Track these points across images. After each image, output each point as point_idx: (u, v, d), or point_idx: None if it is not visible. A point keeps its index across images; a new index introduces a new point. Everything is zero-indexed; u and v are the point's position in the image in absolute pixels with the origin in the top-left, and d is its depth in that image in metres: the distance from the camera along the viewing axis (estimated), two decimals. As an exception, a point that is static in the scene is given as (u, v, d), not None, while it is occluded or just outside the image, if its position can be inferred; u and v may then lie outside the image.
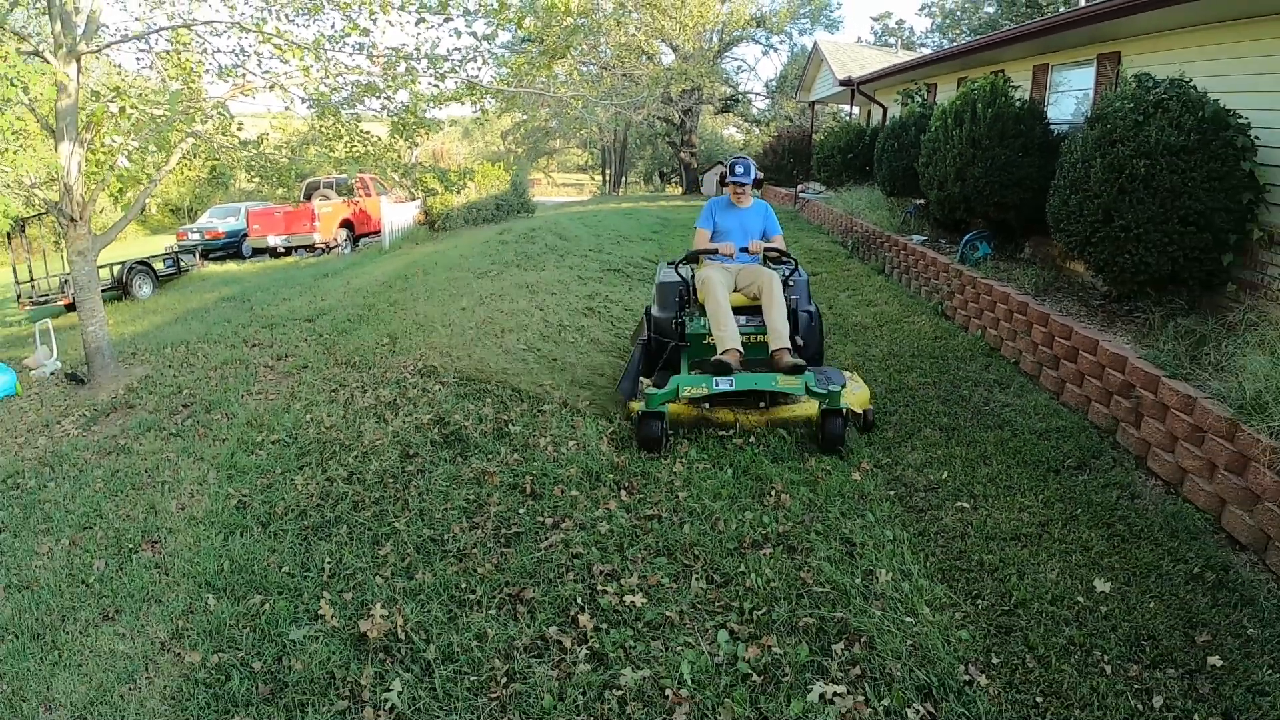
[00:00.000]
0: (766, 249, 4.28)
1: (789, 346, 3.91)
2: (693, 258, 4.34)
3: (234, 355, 6.46)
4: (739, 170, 4.41)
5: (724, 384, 3.74)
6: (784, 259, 4.34)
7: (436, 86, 6.22)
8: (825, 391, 3.64)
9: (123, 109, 5.03)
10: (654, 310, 4.45)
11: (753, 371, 3.85)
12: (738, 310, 4.14)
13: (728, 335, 3.88)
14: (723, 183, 4.67)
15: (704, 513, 3.23)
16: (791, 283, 4.30)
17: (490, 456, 3.84)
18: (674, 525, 3.14)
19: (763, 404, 4.00)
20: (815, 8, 28.10)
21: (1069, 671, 2.26)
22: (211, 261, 15.21)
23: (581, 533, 3.11)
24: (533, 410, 4.39)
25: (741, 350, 3.83)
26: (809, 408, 3.88)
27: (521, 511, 3.34)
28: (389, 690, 2.30)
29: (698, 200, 21.88)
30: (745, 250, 4.31)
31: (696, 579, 2.75)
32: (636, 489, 3.48)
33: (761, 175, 4.61)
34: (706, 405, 4.00)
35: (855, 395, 4.09)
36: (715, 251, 4.25)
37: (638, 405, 3.86)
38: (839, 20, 43.60)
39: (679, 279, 4.35)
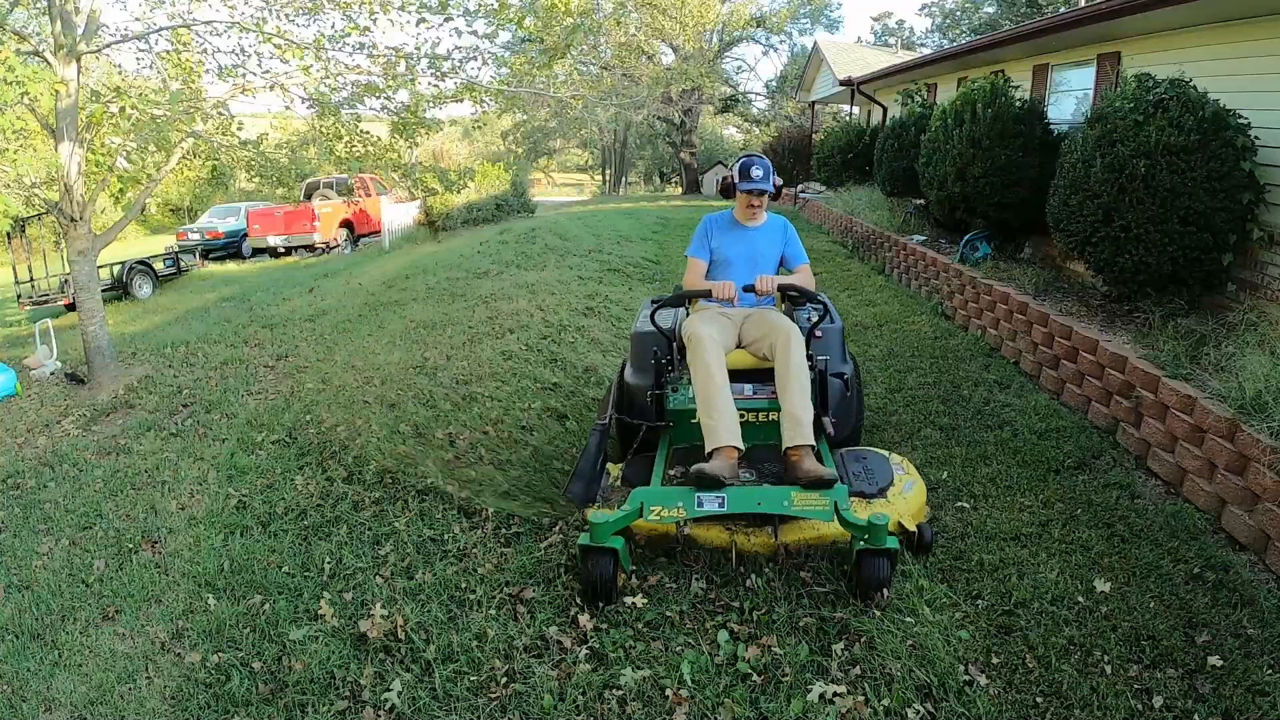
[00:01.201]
0: (782, 286, 3.06)
1: (812, 444, 2.72)
2: (679, 300, 3.26)
3: (234, 355, 6.46)
4: (755, 173, 3.10)
5: (711, 504, 2.57)
6: (807, 301, 3.20)
7: (436, 86, 6.22)
8: (864, 524, 2.47)
9: (123, 109, 5.03)
10: (627, 374, 3.34)
11: (757, 475, 2.80)
12: (741, 376, 3.06)
13: (721, 426, 2.71)
14: (727, 191, 3.28)
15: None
16: (820, 333, 3.15)
17: (482, 457, 3.83)
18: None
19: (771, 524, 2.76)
20: (815, 8, 28.11)
21: (1069, 671, 2.26)
22: (211, 261, 15.21)
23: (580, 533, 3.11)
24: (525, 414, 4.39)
25: (741, 448, 2.68)
26: (838, 528, 2.64)
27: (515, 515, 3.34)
28: (389, 690, 2.30)
29: (698, 200, 21.91)
30: (750, 289, 3.07)
31: (696, 579, 2.75)
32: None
33: (781, 182, 3.27)
34: (686, 525, 2.73)
35: (907, 503, 2.82)
36: (707, 293, 3.08)
37: (593, 516, 2.62)
38: (839, 20, 43.59)
39: (657, 330, 3.16)
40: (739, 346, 3.16)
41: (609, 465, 3.17)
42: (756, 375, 3.06)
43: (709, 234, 3.34)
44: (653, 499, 2.61)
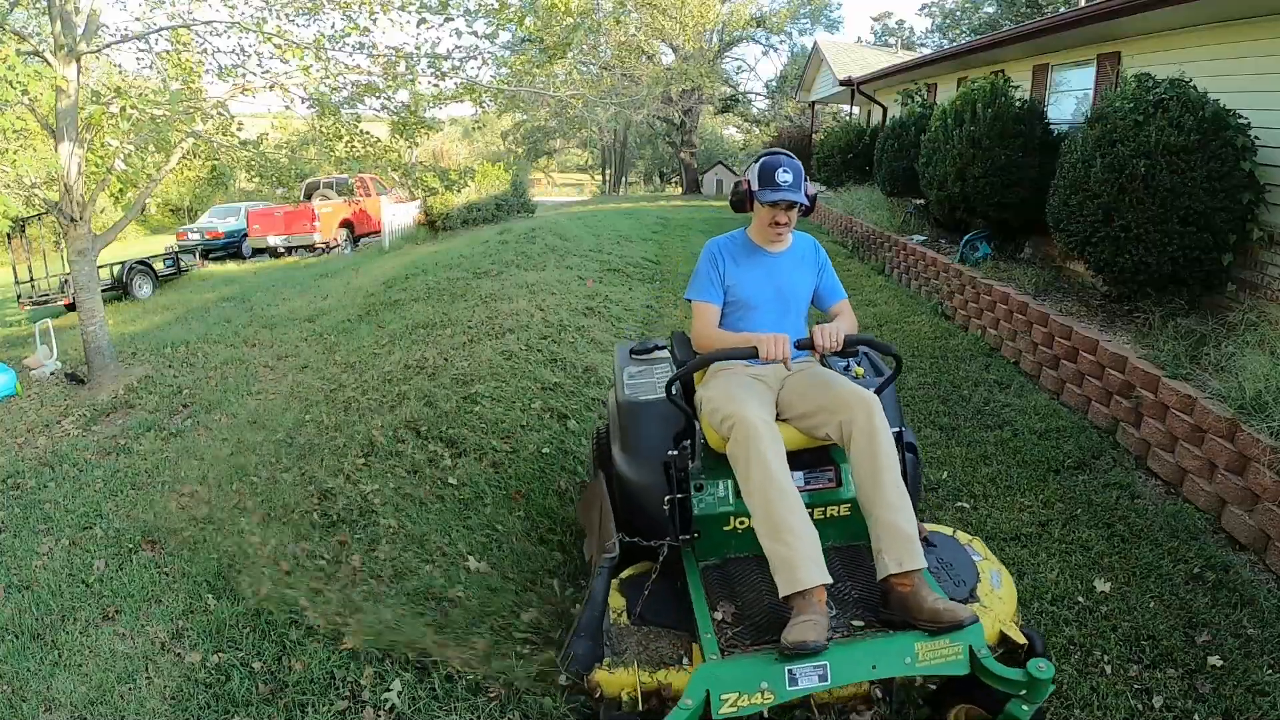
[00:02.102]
0: (854, 343, 2.15)
1: (926, 564, 1.91)
2: (703, 364, 2.27)
3: (234, 355, 6.46)
4: (783, 177, 2.24)
5: (809, 678, 1.76)
6: (859, 353, 2.54)
7: (436, 86, 6.22)
8: (1021, 677, 1.73)
9: (123, 109, 5.03)
10: (623, 468, 2.36)
11: (848, 609, 1.96)
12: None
13: (802, 557, 1.84)
14: (741, 203, 2.36)
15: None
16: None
17: (483, 456, 3.84)
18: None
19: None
20: (815, 8, 28.13)
21: (1069, 671, 2.26)
22: (211, 261, 15.21)
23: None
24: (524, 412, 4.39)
25: (830, 580, 1.86)
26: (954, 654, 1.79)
27: (515, 514, 3.34)
28: (389, 690, 2.30)
29: (697, 200, 21.90)
30: (807, 347, 2.15)
31: None
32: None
33: (815, 191, 2.39)
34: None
35: (1003, 602, 2.09)
36: (752, 353, 2.10)
37: (606, 679, 1.90)
38: (839, 20, 43.64)
39: (674, 403, 2.20)
40: (777, 419, 2.19)
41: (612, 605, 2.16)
42: (803, 459, 2.19)
43: (719, 265, 2.37)
44: (723, 682, 1.75)
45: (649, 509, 2.22)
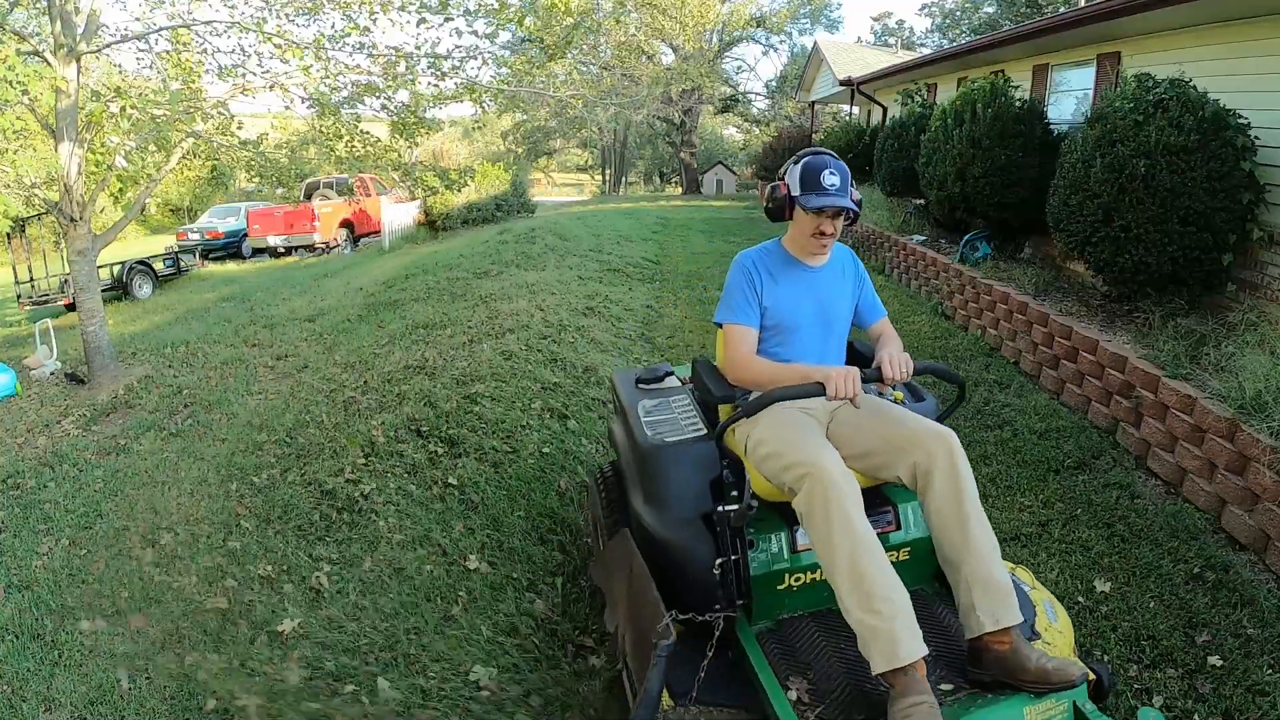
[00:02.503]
0: (926, 372, 2.03)
1: (1024, 618, 1.72)
2: (760, 407, 1.90)
3: (234, 355, 6.46)
4: (830, 180, 1.97)
5: None
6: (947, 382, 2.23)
7: (436, 86, 6.22)
8: None
9: (123, 109, 5.03)
10: (651, 522, 2.05)
11: (932, 672, 1.67)
12: None
13: (901, 628, 1.59)
14: (779, 209, 2.09)
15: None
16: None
17: (483, 457, 3.84)
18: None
19: None
20: (815, 8, 28.14)
21: (1069, 671, 2.26)
22: (211, 261, 15.21)
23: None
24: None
25: (928, 652, 1.61)
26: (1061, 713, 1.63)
27: (516, 515, 3.34)
28: (382, 689, 2.30)
29: (697, 200, 21.90)
30: (875, 379, 1.93)
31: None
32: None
33: (860, 196, 2.10)
34: None
35: (1063, 635, 1.95)
36: (818, 390, 1.82)
37: None
38: (839, 20, 43.68)
39: (699, 448, 2.08)
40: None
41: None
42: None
43: (755, 282, 2.08)
44: None
45: (691, 574, 1.91)
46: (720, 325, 2.14)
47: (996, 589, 1.68)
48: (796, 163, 2.06)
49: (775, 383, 1.90)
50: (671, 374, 2.58)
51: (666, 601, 1.77)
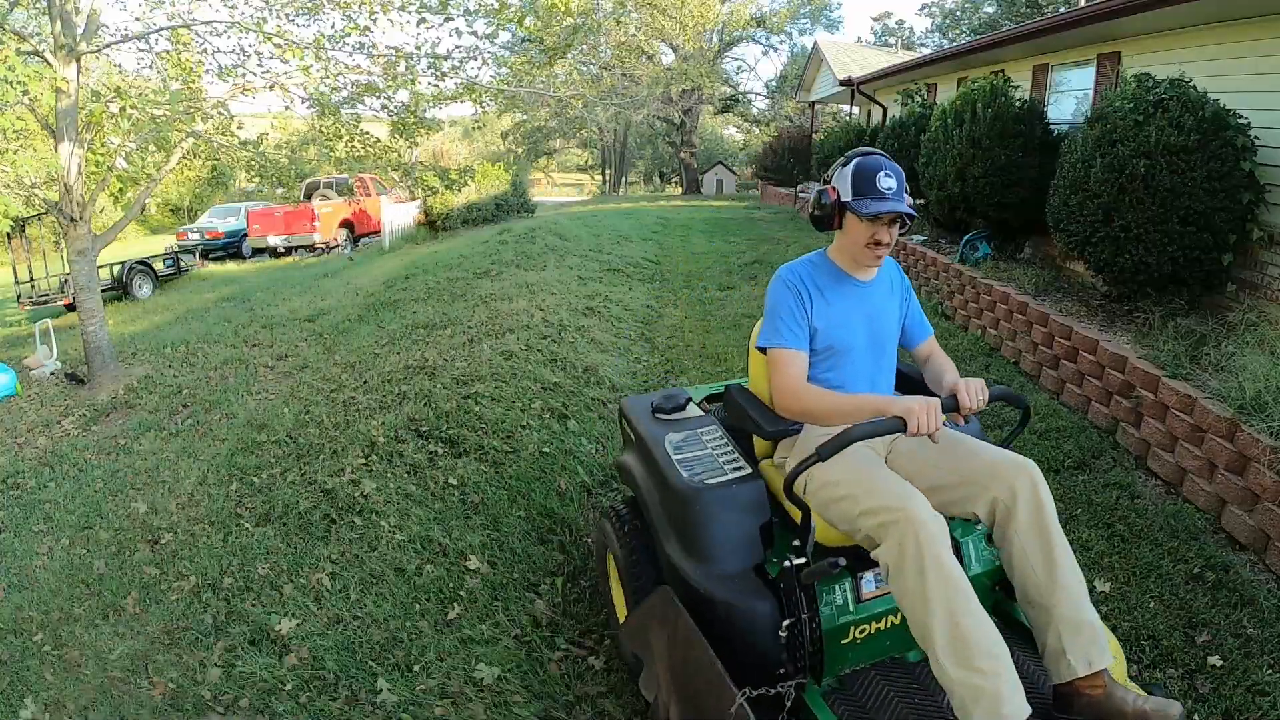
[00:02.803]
0: (1000, 399, 1.81)
1: (1105, 664, 1.55)
2: (839, 448, 1.60)
3: (234, 355, 6.47)
4: (887, 183, 1.80)
5: None
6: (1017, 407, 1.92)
7: (436, 86, 6.23)
8: None
9: (123, 109, 5.04)
10: (698, 578, 1.81)
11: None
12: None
13: (1006, 687, 1.43)
14: (825, 217, 1.89)
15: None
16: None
17: (483, 457, 3.84)
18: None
19: None
20: (815, 8, 28.15)
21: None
22: (211, 261, 15.22)
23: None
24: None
25: (1031, 712, 1.45)
26: None
27: (516, 515, 3.34)
28: (381, 690, 2.30)
29: (697, 200, 21.89)
30: (953, 411, 1.74)
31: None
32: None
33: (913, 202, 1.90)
34: None
35: (1118, 662, 1.76)
36: (899, 426, 1.61)
37: None
38: (839, 20, 43.70)
39: (746, 490, 1.89)
40: None
41: None
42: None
43: (804, 302, 1.89)
44: None
45: (751, 638, 1.67)
46: (763, 350, 1.92)
47: (1088, 630, 1.56)
48: (846, 164, 1.86)
49: (837, 416, 1.73)
50: (690, 400, 2.36)
51: (729, 668, 1.56)
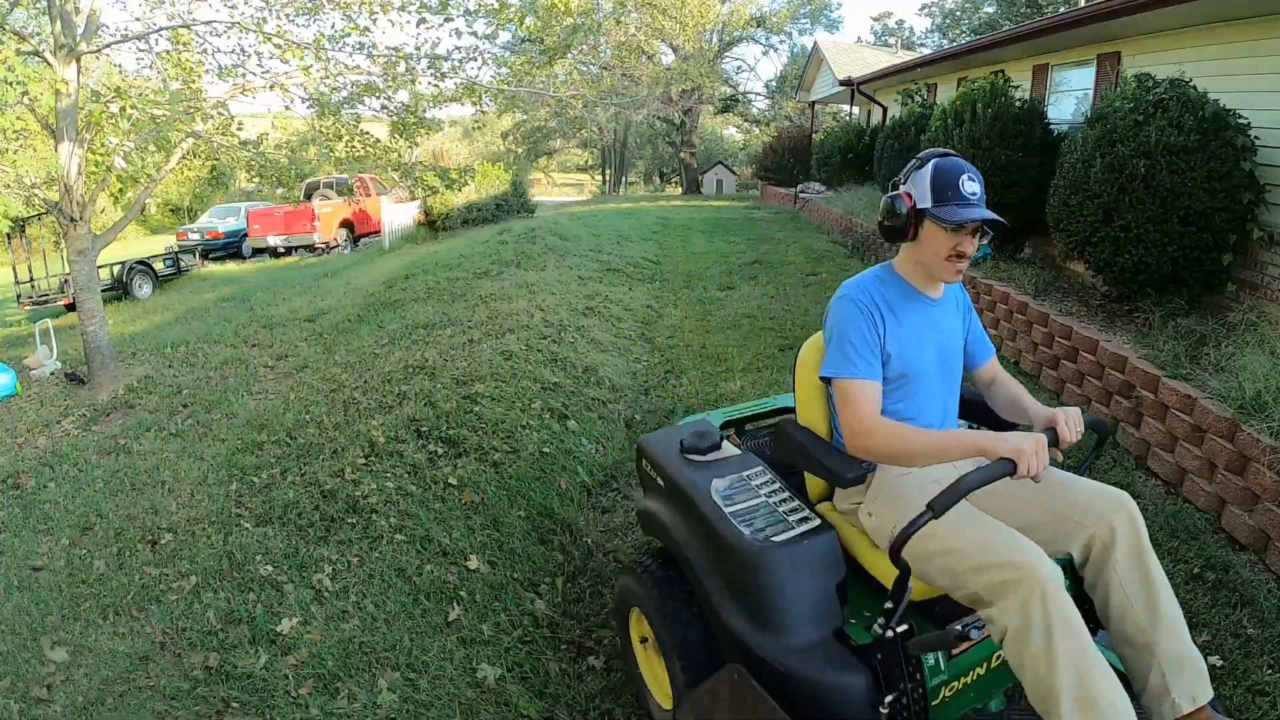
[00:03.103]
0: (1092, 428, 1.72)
1: (1208, 697, 1.49)
2: (958, 497, 1.40)
3: (234, 355, 6.47)
4: (971, 187, 1.65)
5: None
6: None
7: (436, 86, 6.23)
8: None
9: (123, 109, 5.04)
10: (779, 656, 1.55)
11: None
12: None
13: None
14: (897, 228, 1.72)
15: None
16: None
17: (483, 457, 3.84)
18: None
19: None
20: (815, 8, 28.16)
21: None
22: (211, 261, 15.22)
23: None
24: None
25: None
26: None
27: (516, 515, 3.34)
28: (382, 690, 2.30)
29: (698, 200, 21.90)
30: (1050, 443, 1.62)
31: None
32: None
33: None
34: None
35: None
36: (1008, 470, 1.46)
37: None
38: (839, 20, 43.72)
39: (817, 546, 1.64)
40: None
41: None
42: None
43: (877, 325, 1.71)
44: None
45: (842, 714, 1.49)
46: (828, 380, 1.72)
47: (1191, 666, 1.48)
48: (921, 166, 1.69)
49: (926, 456, 1.56)
50: (723, 437, 2.06)
51: None
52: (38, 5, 6.30)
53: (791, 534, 1.64)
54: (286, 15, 5.83)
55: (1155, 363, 3.77)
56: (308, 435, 4.37)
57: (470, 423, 4.18)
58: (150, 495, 3.89)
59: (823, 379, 1.75)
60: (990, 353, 1.94)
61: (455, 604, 2.74)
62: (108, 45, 5.75)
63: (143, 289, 11.59)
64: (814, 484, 1.89)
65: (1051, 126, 6.43)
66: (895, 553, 1.43)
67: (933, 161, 1.69)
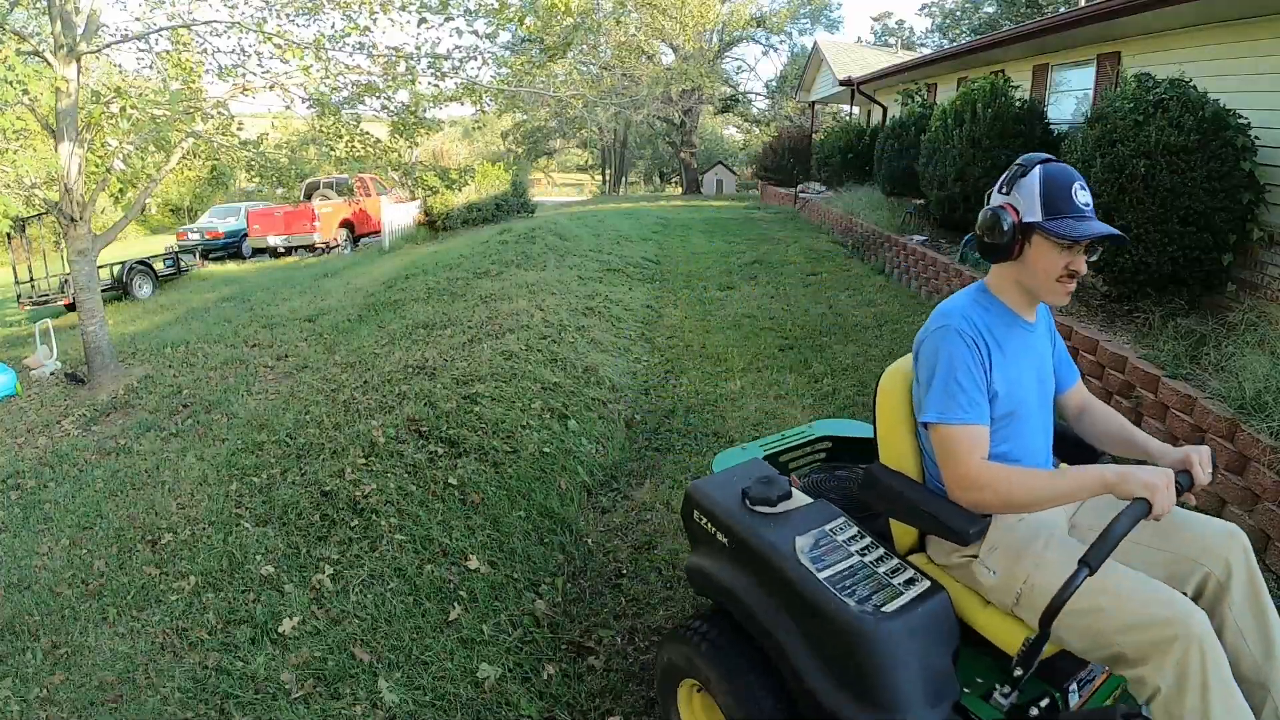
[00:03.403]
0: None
1: None
2: (1105, 552, 1.30)
3: (234, 355, 6.47)
4: (1084, 197, 1.47)
5: None
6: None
7: (436, 86, 6.23)
8: None
9: (123, 109, 5.04)
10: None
11: None
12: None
13: None
14: (997, 245, 1.51)
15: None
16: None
17: (483, 457, 3.84)
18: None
19: None
20: (815, 8, 28.17)
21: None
22: (211, 261, 15.23)
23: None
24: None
25: None
26: None
27: (516, 515, 3.34)
28: (382, 690, 2.30)
29: (698, 200, 21.90)
30: (1184, 487, 1.43)
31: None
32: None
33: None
34: None
35: None
36: (1143, 512, 1.33)
37: None
38: (839, 20, 43.74)
39: (931, 614, 1.44)
40: None
41: None
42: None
43: (984, 357, 1.52)
44: None
45: None
46: (928, 425, 1.52)
47: None
48: (1025, 173, 1.49)
49: (1048, 502, 1.41)
50: (790, 486, 1.78)
51: None
52: (38, 5, 6.31)
53: (902, 601, 1.45)
54: (286, 15, 5.84)
55: (1155, 363, 3.77)
56: (308, 435, 4.37)
57: (470, 423, 4.18)
58: (150, 495, 3.89)
59: (923, 424, 1.55)
60: (1076, 375, 1.75)
61: (455, 604, 2.74)
62: (108, 45, 5.76)
63: (143, 289, 11.59)
64: (902, 532, 1.67)
65: (1051, 126, 6.43)
66: (1049, 620, 1.32)
67: (1039, 168, 1.49)
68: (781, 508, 1.71)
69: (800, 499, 1.77)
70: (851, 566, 1.53)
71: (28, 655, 2.68)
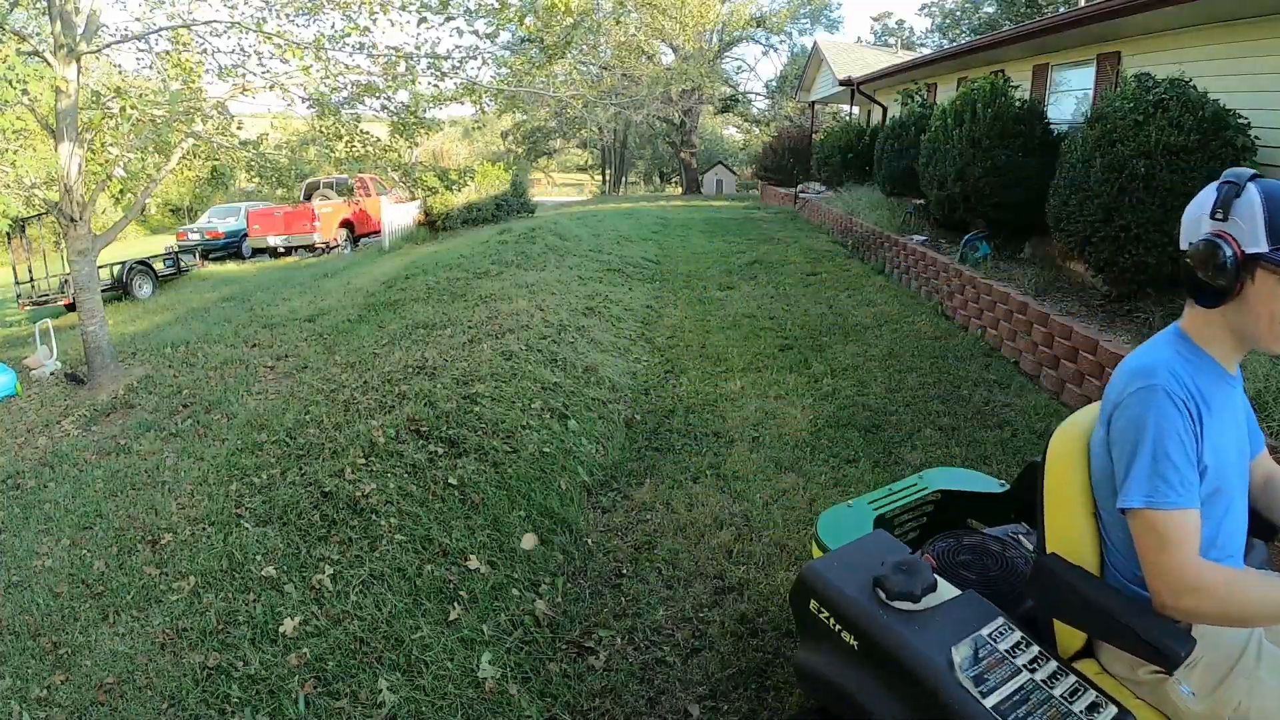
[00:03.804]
0: None
1: None
2: None
3: (234, 355, 6.46)
4: None
5: None
6: None
7: (436, 86, 6.23)
8: None
9: (123, 109, 5.04)
10: None
11: None
12: None
13: None
14: (1230, 283, 1.19)
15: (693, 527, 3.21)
16: None
17: (483, 457, 3.84)
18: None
19: None
20: (815, 8, 28.18)
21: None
22: (211, 261, 15.23)
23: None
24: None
25: None
26: None
27: (516, 515, 3.34)
28: (382, 690, 2.30)
29: (698, 200, 21.90)
30: None
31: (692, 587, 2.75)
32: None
33: None
34: None
35: None
36: None
37: None
38: (839, 20, 43.74)
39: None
40: None
41: None
42: None
43: (1196, 424, 1.23)
44: None
45: None
46: (1127, 511, 1.23)
47: None
48: (1239, 194, 1.19)
49: (1276, 616, 1.14)
50: (921, 565, 1.46)
51: None
52: (38, 5, 6.30)
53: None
54: (286, 15, 5.84)
55: (1155, 363, 3.77)
56: (308, 435, 4.37)
57: (470, 423, 4.18)
58: (150, 495, 3.89)
59: (1120, 510, 1.23)
60: (1262, 440, 1.45)
61: (455, 604, 2.74)
62: (108, 45, 5.76)
63: (143, 289, 11.59)
64: (1069, 632, 1.38)
65: (1051, 126, 6.43)
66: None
67: (1253, 185, 1.19)
68: (925, 603, 1.40)
69: (945, 590, 1.47)
70: (1022, 688, 1.24)
71: (28, 655, 2.68)
